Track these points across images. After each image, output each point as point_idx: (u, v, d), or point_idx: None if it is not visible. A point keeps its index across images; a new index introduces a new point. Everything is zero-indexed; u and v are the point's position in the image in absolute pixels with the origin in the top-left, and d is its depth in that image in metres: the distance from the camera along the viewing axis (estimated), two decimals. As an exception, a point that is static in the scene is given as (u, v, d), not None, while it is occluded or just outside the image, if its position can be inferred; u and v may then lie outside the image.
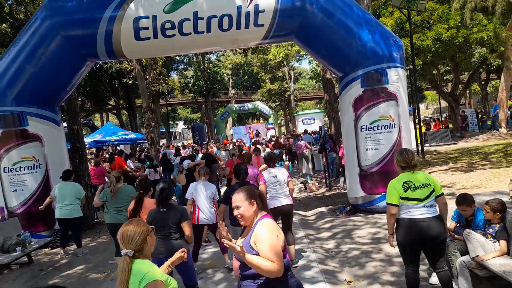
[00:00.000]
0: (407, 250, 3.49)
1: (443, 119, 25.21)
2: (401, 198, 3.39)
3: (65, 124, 9.38)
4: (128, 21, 6.94)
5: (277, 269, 2.17)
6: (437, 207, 3.46)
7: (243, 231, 2.53)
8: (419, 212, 3.33)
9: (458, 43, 16.79)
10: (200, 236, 5.29)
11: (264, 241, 2.21)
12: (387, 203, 3.47)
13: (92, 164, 10.66)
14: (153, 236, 2.26)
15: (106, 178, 10.21)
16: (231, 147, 15.78)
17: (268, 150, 13.00)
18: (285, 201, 4.99)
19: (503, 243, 3.63)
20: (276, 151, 14.81)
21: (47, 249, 7.20)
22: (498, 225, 3.72)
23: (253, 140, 18.78)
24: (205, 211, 5.08)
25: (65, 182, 6.67)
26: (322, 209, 8.36)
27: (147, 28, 7.03)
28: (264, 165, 5.93)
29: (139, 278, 2.02)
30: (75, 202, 6.53)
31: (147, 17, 6.98)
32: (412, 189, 3.36)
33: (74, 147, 8.87)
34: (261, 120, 43.24)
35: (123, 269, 2.03)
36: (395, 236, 3.55)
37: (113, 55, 7.55)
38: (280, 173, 5.14)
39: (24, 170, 7.25)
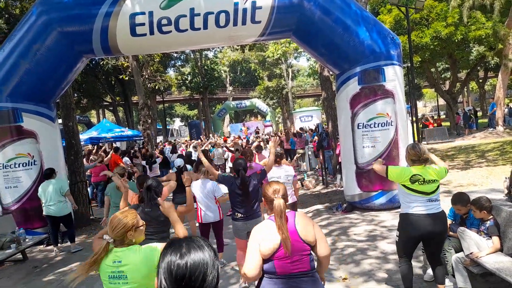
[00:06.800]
0: (408, 245, 3.47)
1: (435, 117, 25.28)
2: (408, 188, 3.37)
3: (60, 120, 9.33)
4: (124, 17, 6.90)
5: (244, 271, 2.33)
6: (440, 203, 3.42)
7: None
8: (424, 207, 3.30)
9: (456, 41, 16.80)
10: (207, 232, 5.28)
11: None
12: (386, 167, 3.50)
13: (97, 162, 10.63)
14: (139, 232, 2.30)
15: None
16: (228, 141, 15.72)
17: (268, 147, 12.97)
18: None
19: (495, 239, 3.64)
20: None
21: (42, 246, 7.18)
22: (489, 222, 3.73)
23: (248, 137, 18.67)
24: (207, 209, 5.06)
25: (47, 180, 6.63)
26: (319, 206, 8.35)
27: (143, 24, 6.99)
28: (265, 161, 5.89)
29: (148, 255, 2.17)
30: (60, 199, 6.50)
31: (143, 13, 6.93)
32: (420, 182, 3.33)
33: (69, 144, 8.81)
34: (259, 118, 43.15)
35: (99, 251, 2.15)
36: (397, 227, 3.56)
37: (109, 51, 7.50)
38: (285, 173, 5.10)
39: (19, 166, 7.20)
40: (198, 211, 5.20)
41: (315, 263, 2.43)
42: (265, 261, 2.34)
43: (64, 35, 6.99)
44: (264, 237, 2.33)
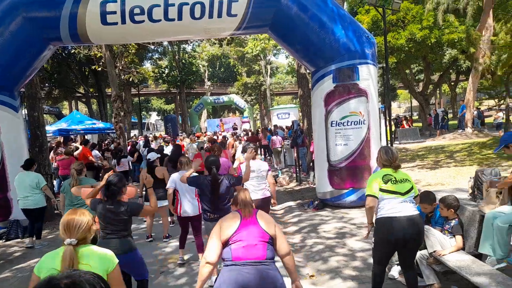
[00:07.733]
0: (384, 250, 3.36)
1: (408, 117, 25.99)
2: (381, 190, 3.28)
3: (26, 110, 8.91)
4: (94, 4, 6.64)
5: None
6: (415, 206, 3.37)
7: None
8: (399, 209, 3.22)
9: (430, 44, 17.19)
10: (185, 225, 5.09)
11: None
12: (367, 195, 3.35)
13: (62, 154, 10.22)
14: (92, 231, 2.24)
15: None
16: (204, 139, 15.54)
17: (242, 143, 12.92)
18: (256, 195, 4.90)
19: (458, 238, 3.70)
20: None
21: (1, 241, 6.83)
22: (453, 221, 3.78)
23: (223, 133, 18.62)
24: (187, 203, 4.91)
25: (25, 172, 6.34)
26: (291, 203, 8.36)
27: (114, 12, 6.75)
28: (240, 158, 5.81)
29: (105, 263, 2.10)
30: (36, 192, 6.25)
31: (114, 0, 6.69)
32: (392, 181, 3.28)
33: (34, 135, 8.44)
34: (237, 114, 42.98)
35: (68, 258, 1.99)
36: (373, 233, 3.41)
37: (78, 40, 7.21)
38: (258, 167, 5.06)
39: (-22, 157, 6.83)
40: (177, 204, 5.02)
41: (273, 254, 2.52)
42: (224, 248, 2.51)
43: (29, 20, 6.66)
44: (225, 223, 2.58)
